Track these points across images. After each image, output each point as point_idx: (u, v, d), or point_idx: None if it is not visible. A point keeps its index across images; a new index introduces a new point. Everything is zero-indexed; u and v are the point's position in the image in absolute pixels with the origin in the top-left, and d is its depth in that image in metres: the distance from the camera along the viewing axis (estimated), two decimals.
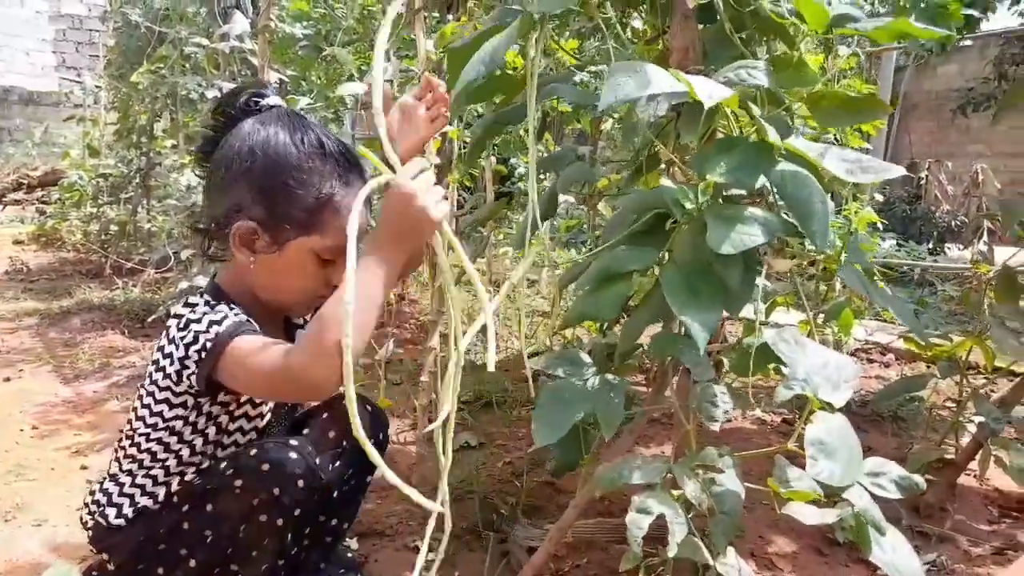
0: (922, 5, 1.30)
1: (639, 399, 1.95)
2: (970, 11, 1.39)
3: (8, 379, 2.72)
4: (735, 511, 1.18)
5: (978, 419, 1.81)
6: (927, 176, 8.63)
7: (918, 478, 1.14)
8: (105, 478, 1.22)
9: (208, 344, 1.03)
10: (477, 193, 4.05)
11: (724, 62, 1.34)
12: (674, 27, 1.42)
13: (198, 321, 1.07)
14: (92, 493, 1.22)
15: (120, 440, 1.21)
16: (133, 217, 4.97)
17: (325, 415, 1.27)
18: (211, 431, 1.16)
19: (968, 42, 8.74)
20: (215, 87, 3.52)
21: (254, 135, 1.11)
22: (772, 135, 1.12)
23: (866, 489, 1.13)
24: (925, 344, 2.05)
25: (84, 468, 2.02)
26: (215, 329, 1.04)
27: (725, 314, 1.32)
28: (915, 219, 7.87)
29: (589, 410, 1.23)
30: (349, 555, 1.53)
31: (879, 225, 3.14)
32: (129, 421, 1.19)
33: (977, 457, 1.80)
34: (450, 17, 3.32)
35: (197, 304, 1.11)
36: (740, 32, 1.39)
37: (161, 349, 1.10)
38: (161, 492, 1.16)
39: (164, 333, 1.12)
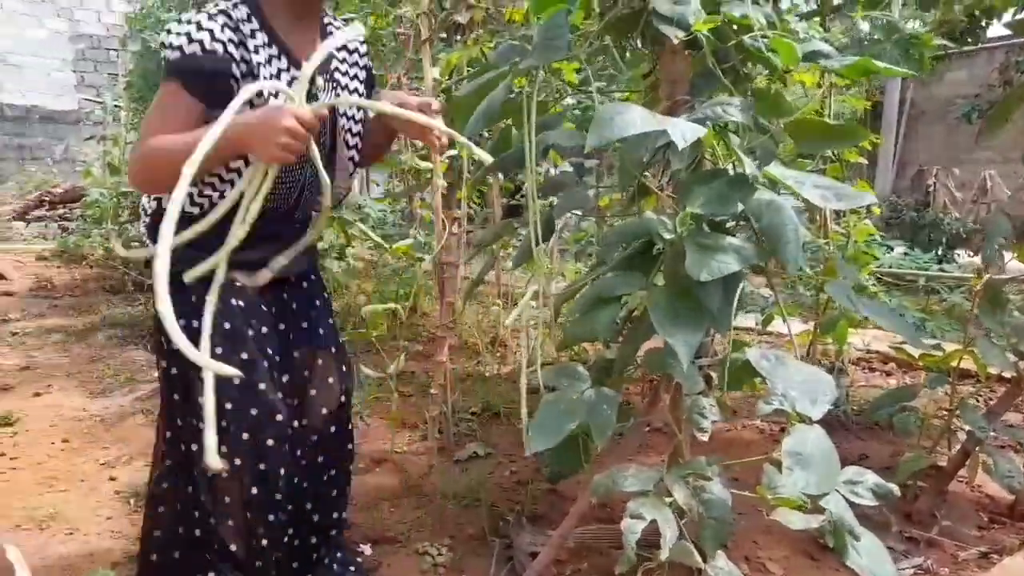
0: (895, 37, 1.39)
1: (637, 411, 2.03)
2: (944, 42, 1.47)
3: (38, 394, 2.84)
4: (724, 516, 1.26)
5: (968, 427, 1.88)
6: (935, 183, 8.65)
7: (893, 486, 1.22)
8: None
9: (162, 63, 1.17)
10: (486, 209, 4.15)
11: (711, 91, 1.44)
12: (664, 60, 1.51)
13: (179, 30, 1.16)
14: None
15: None
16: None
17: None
18: None
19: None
20: None
21: None
22: (748, 167, 1.21)
23: (844, 496, 1.22)
24: (921, 353, 2.12)
25: (112, 479, 2.12)
26: (167, 53, 1.16)
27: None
28: (923, 226, 7.89)
29: (583, 420, 1.31)
30: (360, 560, 1.62)
31: (878, 237, 3.19)
32: None
33: (967, 464, 1.87)
34: (458, 38, 3.44)
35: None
36: (728, 62, 1.46)
37: None
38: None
39: None
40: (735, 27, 1.36)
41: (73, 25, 12.14)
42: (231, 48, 1.15)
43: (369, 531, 1.80)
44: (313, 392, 1.39)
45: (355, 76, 1.37)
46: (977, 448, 1.81)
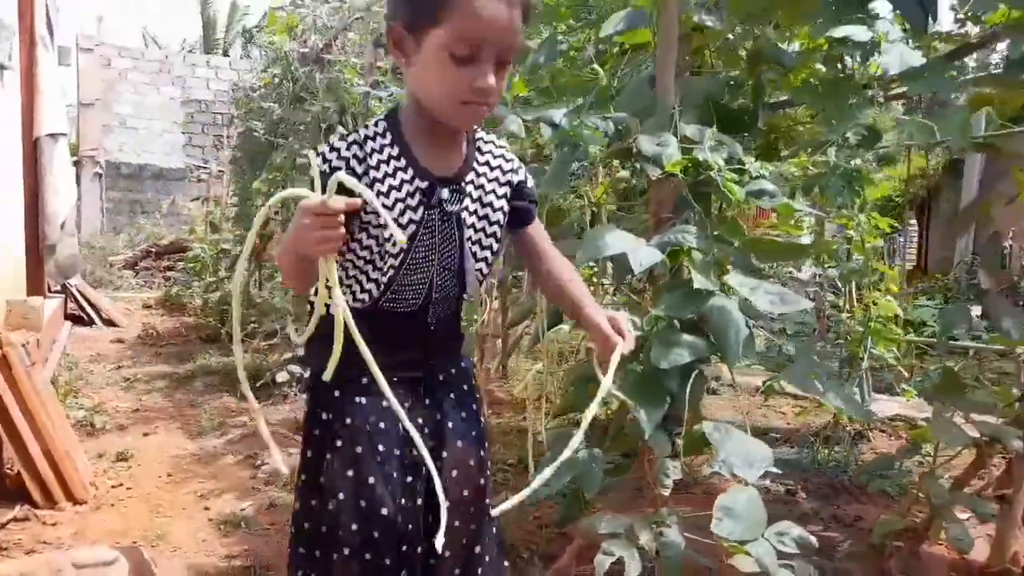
0: (839, 171, 1.71)
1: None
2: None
3: (147, 434, 3.36)
4: (677, 557, 1.57)
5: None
6: (1011, 246, 8.58)
7: (811, 537, 1.51)
8: None
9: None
10: None
11: (687, 213, 1.80)
12: (651, 186, 1.88)
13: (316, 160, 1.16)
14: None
15: None
16: (246, 289, 5.71)
17: None
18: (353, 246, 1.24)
19: None
20: None
21: None
22: (699, 282, 1.56)
23: (773, 545, 1.51)
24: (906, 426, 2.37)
25: (207, 509, 2.57)
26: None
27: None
28: (999, 291, 7.80)
29: (575, 475, 1.66)
30: None
31: (900, 312, 3.38)
32: None
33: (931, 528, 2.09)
34: None
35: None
36: (707, 187, 1.81)
37: None
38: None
39: None
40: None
41: (185, 91, 13.46)
42: (353, 163, 1.20)
43: None
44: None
45: (492, 191, 1.32)
46: (939, 513, 2.04)
